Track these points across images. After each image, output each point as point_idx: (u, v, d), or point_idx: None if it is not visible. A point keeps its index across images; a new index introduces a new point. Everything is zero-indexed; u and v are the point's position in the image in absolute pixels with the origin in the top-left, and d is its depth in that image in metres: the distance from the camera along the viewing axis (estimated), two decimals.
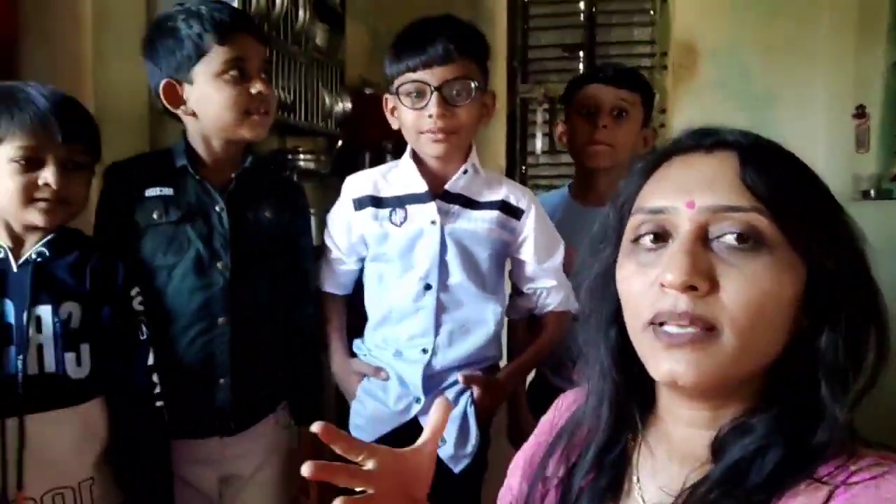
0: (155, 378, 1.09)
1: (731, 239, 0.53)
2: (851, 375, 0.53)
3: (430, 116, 1.13)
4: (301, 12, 2.16)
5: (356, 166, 2.76)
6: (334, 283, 1.33)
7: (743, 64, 2.77)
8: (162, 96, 1.15)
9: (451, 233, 1.20)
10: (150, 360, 1.09)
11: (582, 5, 3.00)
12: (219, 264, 1.17)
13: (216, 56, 1.11)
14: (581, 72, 1.55)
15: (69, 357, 1.02)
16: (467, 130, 1.19)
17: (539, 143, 2.98)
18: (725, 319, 0.52)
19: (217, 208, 1.18)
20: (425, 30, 1.17)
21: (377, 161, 2.78)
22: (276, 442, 1.26)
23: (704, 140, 0.59)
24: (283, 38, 2.05)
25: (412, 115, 1.16)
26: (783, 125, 2.87)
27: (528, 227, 1.24)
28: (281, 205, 1.25)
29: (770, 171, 0.54)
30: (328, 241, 1.31)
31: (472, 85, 1.16)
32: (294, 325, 1.28)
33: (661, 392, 0.62)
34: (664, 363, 0.54)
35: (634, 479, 0.62)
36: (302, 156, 2.34)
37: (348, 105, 2.55)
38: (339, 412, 1.31)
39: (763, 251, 0.52)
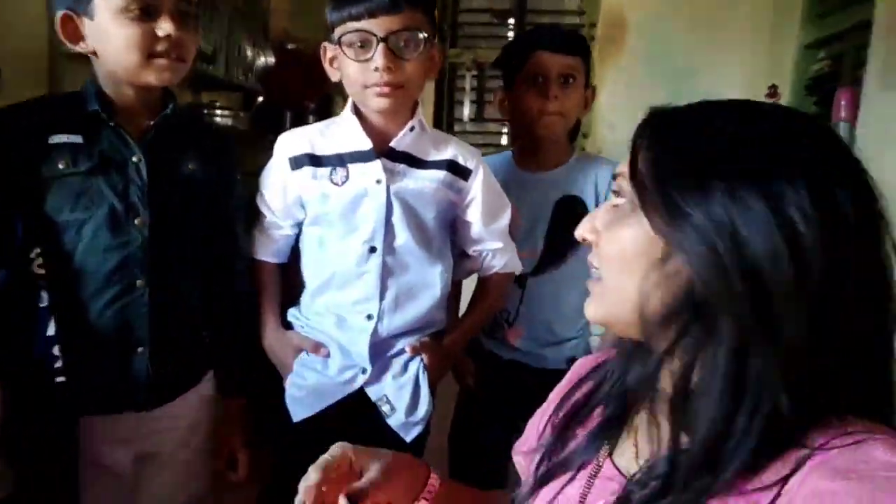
0: (56, 350, 0.99)
1: (613, 199, 0.62)
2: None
3: (377, 69, 1.06)
4: None
5: (277, 125, 2.64)
6: (268, 251, 1.24)
7: (667, 38, 2.81)
8: (59, 30, 1.03)
9: (396, 192, 1.14)
10: (51, 331, 0.99)
11: None
12: (136, 220, 1.05)
13: None
14: (513, 37, 1.48)
15: None
16: (415, 85, 1.13)
17: (467, 110, 2.94)
18: (600, 264, 0.61)
19: (134, 159, 1.06)
20: None
21: (298, 120, 2.66)
22: (199, 416, 1.17)
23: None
24: None
25: (356, 68, 1.09)
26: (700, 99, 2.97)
27: (476, 187, 1.20)
28: (207, 157, 1.14)
29: (658, 149, 0.56)
30: (261, 205, 1.22)
31: (421, 36, 1.09)
32: (222, 289, 1.19)
33: None
34: (585, 304, 0.64)
35: (634, 430, 0.64)
36: (219, 111, 2.20)
37: (271, 59, 2.43)
38: (271, 384, 1.23)
39: (628, 216, 0.58)
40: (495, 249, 1.24)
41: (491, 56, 3.02)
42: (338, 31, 1.09)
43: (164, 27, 1.00)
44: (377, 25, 1.06)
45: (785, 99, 2.61)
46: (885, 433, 0.48)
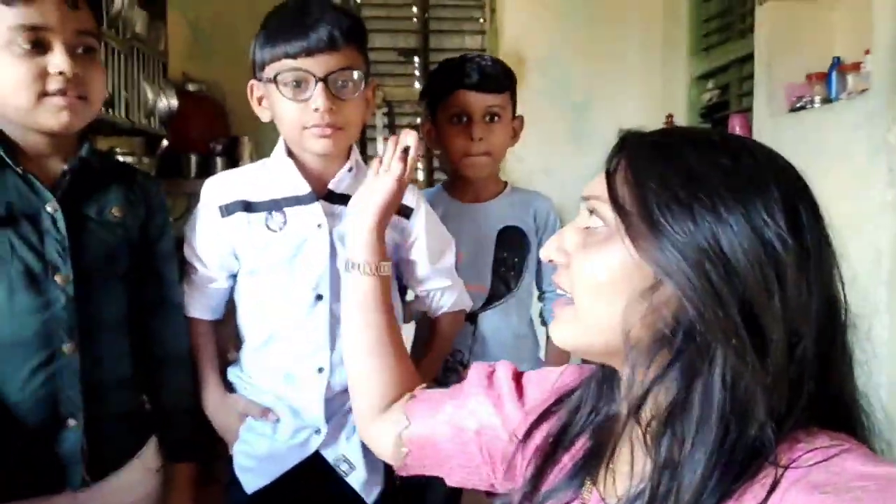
0: None
1: (585, 220, 0.61)
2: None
3: (316, 110, 1.01)
4: None
5: (182, 168, 2.51)
6: (202, 307, 1.14)
7: (565, 73, 2.95)
8: None
9: (340, 236, 1.08)
10: None
11: (415, 9, 3.01)
12: (57, 278, 0.94)
13: (3, 19, 0.89)
14: (437, 68, 1.45)
15: None
16: (355, 125, 1.09)
17: (380, 147, 2.92)
18: (572, 287, 0.59)
19: (48, 208, 0.95)
20: (306, 12, 1.03)
21: (205, 163, 2.55)
22: (143, 491, 1.05)
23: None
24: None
25: (293, 108, 1.03)
26: (601, 132, 3.11)
27: (419, 226, 1.16)
28: (131, 199, 1.04)
29: (640, 174, 0.56)
30: (190, 258, 1.12)
31: (358, 75, 1.05)
32: (158, 345, 1.08)
33: None
34: (551, 327, 0.63)
35: (613, 459, 0.63)
36: (120, 157, 2.05)
37: (173, 102, 2.30)
38: (219, 444, 1.12)
39: (607, 240, 0.57)
40: (443, 288, 1.20)
41: (399, 93, 3.06)
42: (270, 70, 1.03)
43: (57, 62, 0.90)
44: (316, 64, 1.00)
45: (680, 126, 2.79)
46: (851, 443, 0.50)
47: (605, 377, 0.65)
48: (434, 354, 1.23)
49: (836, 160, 1.82)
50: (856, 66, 1.92)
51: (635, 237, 0.54)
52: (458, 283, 1.23)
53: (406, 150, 0.92)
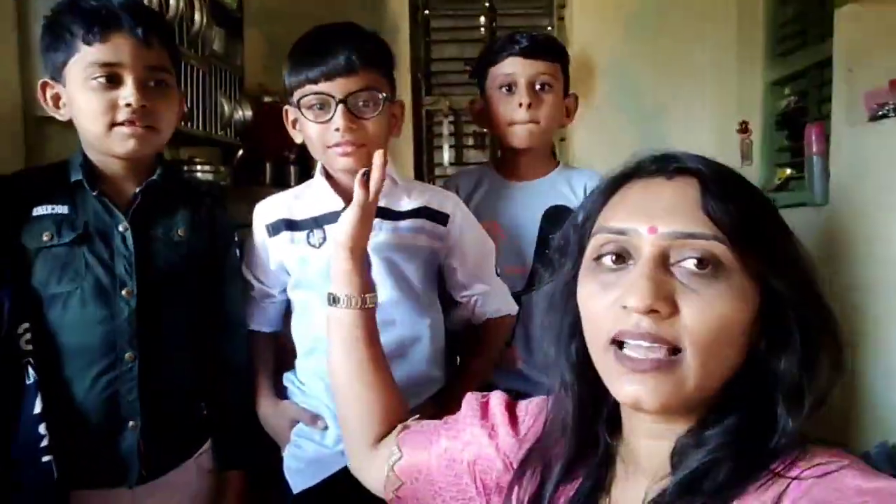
0: (42, 429, 0.95)
1: (690, 264, 0.55)
2: (806, 391, 0.55)
3: (337, 129, 1.07)
4: (197, 15, 2.02)
5: (258, 176, 2.63)
6: (260, 320, 1.23)
7: (635, 79, 2.88)
8: (39, 97, 1.05)
9: (374, 248, 1.12)
10: (38, 408, 0.95)
11: (482, 20, 3.02)
12: (123, 291, 1.04)
13: (84, 57, 0.99)
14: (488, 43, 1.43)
15: None
16: (377, 142, 1.12)
17: (446, 155, 2.97)
18: (686, 341, 0.54)
19: (120, 228, 1.05)
20: (326, 39, 1.09)
21: (279, 171, 2.66)
22: (197, 489, 1.13)
23: (666, 165, 0.61)
24: (178, 43, 1.90)
25: (317, 129, 1.09)
26: (673, 139, 3.03)
27: (456, 231, 1.19)
28: (197, 221, 1.13)
29: (728, 199, 0.56)
30: (247, 275, 1.21)
31: (380, 96, 1.10)
32: (219, 357, 1.16)
33: (622, 407, 0.63)
34: (627, 387, 0.56)
35: (606, 498, 0.63)
36: (199, 167, 2.19)
37: (248, 113, 2.42)
38: (271, 454, 1.20)
39: (721, 277, 0.54)
40: (484, 294, 1.22)
41: (465, 102, 3.09)
42: (297, 95, 1.10)
43: (125, 95, 1.00)
44: (335, 88, 1.06)
45: (756, 134, 2.69)
46: (848, 457, 0.51)
47: (586, 424, 0.65)
48: (477, 363, 1.24)
49: None
50: None
51: (751, 266, 0.56)
52: (500, 288, 1.24)
53: (366, 175, 0.94)
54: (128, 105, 1.00)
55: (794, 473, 0.50)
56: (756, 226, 0.56)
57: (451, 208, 1.19)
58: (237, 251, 1.21)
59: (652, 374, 0.54)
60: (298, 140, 1.17)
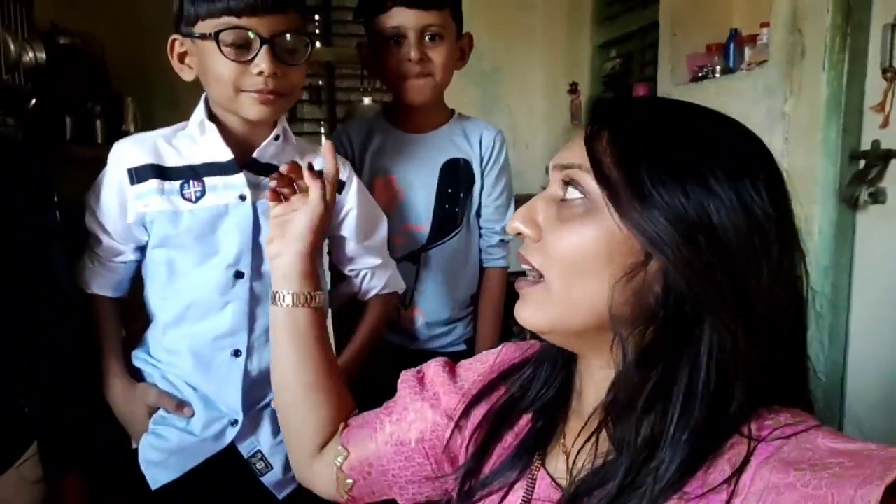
0: None
1: (559, 192, 0.57)
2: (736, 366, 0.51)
3: (260, 73, 0.92)
4: None
5: (57, 132, 2.25)
6: (106, 283, 1.03)
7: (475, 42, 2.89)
8: None
9: (265, 209, 0.98)
10: None
11: None
12: None
13: None
14: None
15: None
16: (297, 93, 1.01)
17: None
18: (544, 264, 0.56)
19: None
20: None
21: (83, 126, 2.30)
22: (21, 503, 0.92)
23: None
24: None
25: (232, 69, 0.92)
26: (510, 100, 3.11)
27: (350, 200, 1.09)
28: (6, 176, 0.91)
29: (627, 145, 0.54)
30: (93, 227, 1.01)
31: (307, 41, 0.97)
32: (42, 339, 0.95)
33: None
34: (518, 308, 0.59)
35: (562, 438, 0.62)
36: None
37: (41, 55, 2.04)
38: (118, 449, 1.01)
39: (589, 213, 0.53)
40: (374, 267, 1.13)
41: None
42: (206, 26, 0.92)
43: None
44: (262, 25, 0.91)
45: (584, 94, 2.82)
46: (815, 420, 0.50)
47: (561, 357, 0.63)
48: (361, 341, 1.14)
49: None
50: (752, 39, 1.98)
51: (623, 209, 0.51)
52: (389, 262, 1.17)
53: (312, 168, 0.80)
54: None
55: (761, 433, 0.49)
56: (643, 176, 0.52)
57: (347, 175, 1.09)
58: (57, 212, 0.99)
59: (524, 291, 0.58)
60: (188, 78, 0.98)
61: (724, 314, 0.49)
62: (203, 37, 0.93)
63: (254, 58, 0.92)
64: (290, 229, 0.77)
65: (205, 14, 0.92)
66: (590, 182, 0.54)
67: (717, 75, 2.05)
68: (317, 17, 2.86)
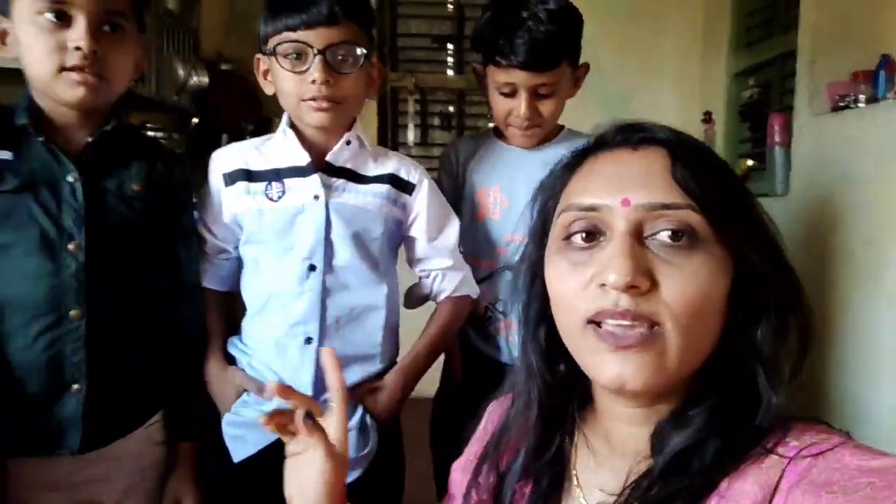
0: None
1: (665, 236, 0.53)
2: (784, 362, 0.54)
3: (313, 82, 1.02)
4: None
5: (213, 147, 2.52)
6: (214, 278, 1.16)
7: (600, 67, 2.87)
8: None
9: (336, 209, 1.08)
10: None
11: None
12: (70, 245, 0.95)
13: None
14: (487, 20, 1.25)
15: None
16: (353, 102, 1.08)
17: (411, 135, 2.91)
18: (667, 316, 0.51)
19: (69, 178, 0.96)
20: None
21: (235, 142, 2.56)
22: (145, 461, 1.05)
23: (632, 136, 0.58)
24: None
25: (292, 80, 1.04)
26: None
27: (420, 202, 1.15)
28: (153, 177, 1.05)
29: (698, 168, 0.54)
30: (201, 229, 1.14)
31: (359, 51, 1.05)
32: (174, 322, 1.08)
33: (597, 391, 0.61)
34: (611, 366, 0.53)
35: (574, 480, 0.60)
36: (151, 133, 2.08)
37: (204, 80, 2.32)
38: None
39: (698, 248, 0.52)
40: (445, 269, 1.18)
41: (432, 80, 3.03)
42: (272, 42, 1.05)
43: (75, 38, 0.91)
44: (314, 37, 1.02)
45: (719, 124, 2.72)
46: (838, 435, 0.50)
47: (554, 410, 0.62)
48: (428, 340, 1.17)
49: (881, 162, 1.74)
50: None
51: (722, 230, 0.54)
52: (461, 266, 1.20)
53: (309, 416, 0.67)
54: (77, 49, 0.92)
55: (789, 453, 0.48)
56: (727, 195, 0.55)
57: (418, 178, 1.16)
58: (195, 212, 1.14)
59: (635, 350, 0.51)
60: (269, 91, 1.11)
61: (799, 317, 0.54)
62: (271, 53, 1.04)
63: (309, 68, 1.02)
64: (305, 486, 0.66)
65: (271, 32, 1.04)
66: (692, 216, 0.53)
67: (862, 104, 1.91)
68: (450, 46, 2.98)
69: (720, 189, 0.54)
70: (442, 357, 1.40)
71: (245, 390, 1.11)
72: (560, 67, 1.23)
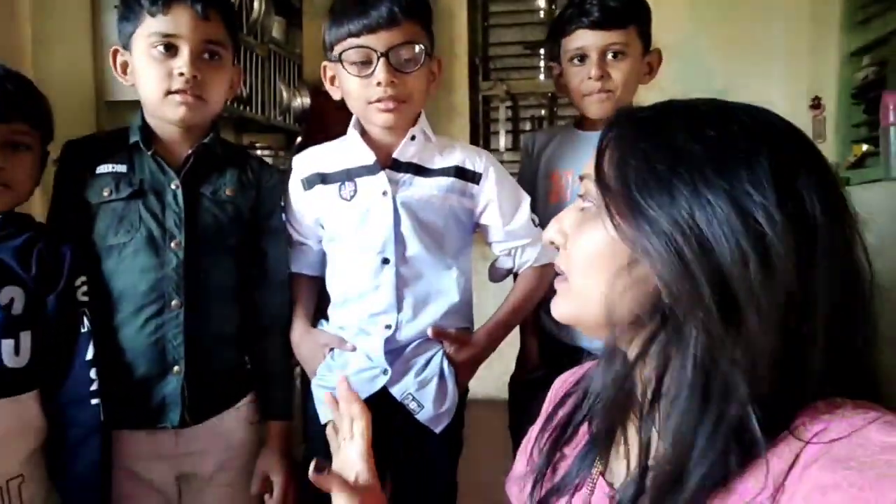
0: (93, 374, 1.01)
1: (580, 201, 0.61)
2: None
3: (379, 84, 1.07)
4: (256, 3, 2.10)
5: None
6: (302, 263, 1.26)
7: (701, 59, 2.79)
8: (111, 63, 1.13)
9: (403, 202, 1.13)
10: (89, 355, 1.01)
11: (541, 2, 3.00)
12: (172, 243, 1.09)
13: (148, 27, 1.06)
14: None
15: (6, 344, 0.94)
16: (418, 98, 1.12)
17: (503, 141, 2.96)
18: (567, 265, 0.61)
19: (172, 186, 1.11)
20: None
21: None
22: (239, 438, 1.17)
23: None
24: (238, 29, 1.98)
25: (358, 84, 1.09)
26: None
27: (489, 190, 1.18)
28: (244, 182, 1.17)
29: (624, 151, 0.55)
30: (288, 227, 1.24)
31: (419, 49, 1.10)
32: (261, 313, 1.20)
33: None
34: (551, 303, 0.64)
35: (621, 443, 0.61)
36: (259, 151, 2.26)
37: (307, 100, 2.49)
38: (305, 407, 1.24)
39: (595, 218, 0.57)
40: (523, 245, 1.22)
41: (523, 86, 3.07)
42: (337, 49, 1.10)
43: (180, 66, 1.05)
44: (377, 41, 1.06)
45: (830, 109, 2.55)
46: (876, 410, 0.47)
47: (607, 356, 0.64)
48: (511, 304, 1.22)
49: None
50: None
51: (614, 215, 0.54)
52: (537, 238, 1.22)
53: (319, 466, 0.71)
54: (181, 74, 1.05)
55: (814, 428, 0.47)
56: (631, 184, 0.54)
57: (484, 166, 1.19)
58: (283, 214, 1.24)
59: (556, 292, 0.63)
60: (337, 96, 1.18)
61: (703, 316, 0.48)
62: (336, 59, 1.10)
63: (373, 71, 1.06)
64: None
65: (335, 39, 1.09)
66: (595, 190, 0.58)
67: None
68: (542, 51, 3.00)
69: (630, 177, 0.54)
70: (517, 342, 1.46)
71: (331, 349, 1.19)
72: (627, 30, 1.27)
